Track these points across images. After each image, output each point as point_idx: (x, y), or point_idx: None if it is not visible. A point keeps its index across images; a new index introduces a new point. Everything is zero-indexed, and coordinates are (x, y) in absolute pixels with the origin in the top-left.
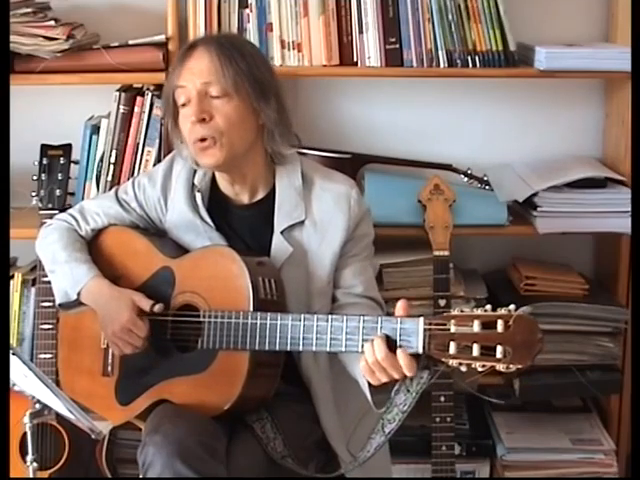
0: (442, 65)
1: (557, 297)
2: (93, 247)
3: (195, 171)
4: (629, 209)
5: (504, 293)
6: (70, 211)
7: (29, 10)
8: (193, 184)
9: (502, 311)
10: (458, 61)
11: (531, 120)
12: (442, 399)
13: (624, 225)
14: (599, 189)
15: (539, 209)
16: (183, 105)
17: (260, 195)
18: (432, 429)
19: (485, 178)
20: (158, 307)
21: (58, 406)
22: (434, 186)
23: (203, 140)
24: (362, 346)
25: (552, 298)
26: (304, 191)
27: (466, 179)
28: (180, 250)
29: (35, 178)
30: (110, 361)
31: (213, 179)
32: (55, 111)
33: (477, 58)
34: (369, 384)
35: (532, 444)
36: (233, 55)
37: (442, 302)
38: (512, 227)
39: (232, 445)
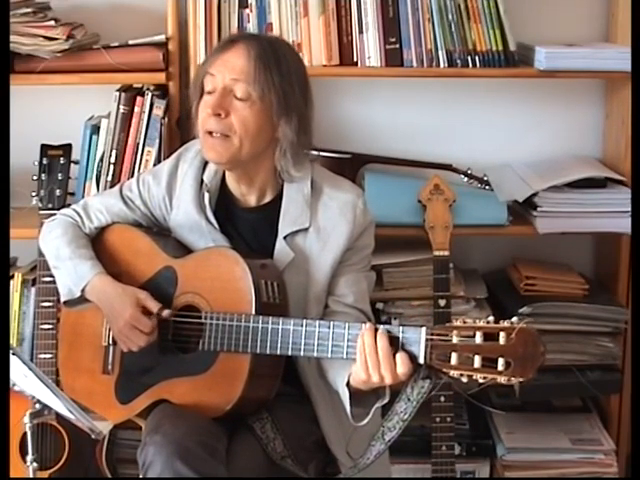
0: (442, 65)
1: (557, 297)
2: (96, 245)
3: (203, 170)
4: (629, 209)
5: (504, 293)
6: (74, 207)
7: (29, 10)
8: (202, 182)
9: (505, 323)
10: (458, 61)
11: (531, 120)
12: (442, 399)
13: (624, 225)
14: (599, 189)
15: (539, 209)
16: (208, 93)
17: (267, 198)
18: (432, 429)
19: (485, 178)
20: (167, 313)
21: (58, 406)
22: (434, 186)
23: (211, 133)
24: None
25: (552, 298)
26: (311, 199)
27: (466, 179)
28: (183, 250)
29: (35, 178)
30: (111, 359)
31: (223, 179)
32: (55, 111)
33: (477, 58)
34: (350, 396)
35: (532, 444)
36: (270, 63)
37: (442, 302)
38: (512, 227)
39: (232, 445)
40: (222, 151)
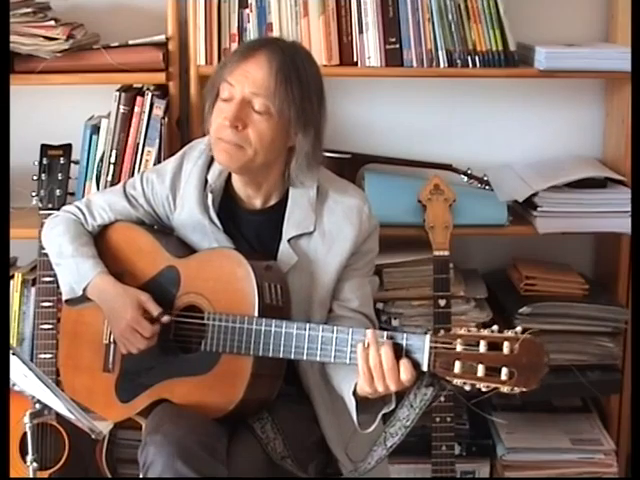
0: (442, 65)
1: (557, 297)
2: (98, 242)
3: (207, 170)
4: (629, 209)
5: (504, 293)
6: (77, 204)
7: (29, 10)
8: (206, 182)
9: (509, 333)
10: (458, 61)
11: (531, 120)
12: (442, 399)
13: (624, 225)
14: (599, 189)
15: (539, 209)
16: (224, 100)
17: (273, 201)
18: (432, 429)
19: (485, 178)
20: (166, 318)
21: (58, 406)
22: (434, 186)
23: (226, 141)
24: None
25: (552, 298)
26: (317, 202)
27: (466, 179)
28: (185, 249)
29: (35, 178)
30: (111, 357)
31: (228, 179)
32: (55, 111)
33: (477, 58)
34: (356, 404)
35: (532, 444)
36: (291, 76)
37: (442, 302)
38: (512, 227)
39: (232, 445)
40: (235, 158)
